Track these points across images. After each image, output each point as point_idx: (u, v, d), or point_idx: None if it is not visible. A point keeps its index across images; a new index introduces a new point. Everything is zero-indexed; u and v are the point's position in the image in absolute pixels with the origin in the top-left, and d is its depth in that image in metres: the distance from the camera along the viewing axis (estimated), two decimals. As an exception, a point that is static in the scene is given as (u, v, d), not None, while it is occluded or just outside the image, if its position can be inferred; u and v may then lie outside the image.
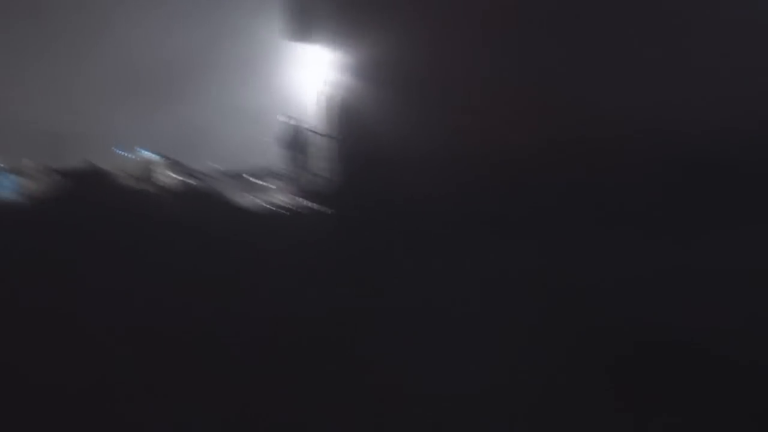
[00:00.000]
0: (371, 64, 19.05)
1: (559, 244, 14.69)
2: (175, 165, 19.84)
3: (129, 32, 28.44)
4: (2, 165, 21.07)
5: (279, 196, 20.44)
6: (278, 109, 22.80)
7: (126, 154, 21.56)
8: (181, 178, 19.89)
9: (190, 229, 16.46)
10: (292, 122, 22.21)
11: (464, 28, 18.81)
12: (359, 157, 18.79)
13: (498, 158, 18.17)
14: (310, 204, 19.73)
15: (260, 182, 20.80)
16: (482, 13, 18.66)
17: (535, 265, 13.35)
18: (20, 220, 16.77)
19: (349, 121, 19.16)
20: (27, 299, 11.48)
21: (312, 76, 20.64)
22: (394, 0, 18.87)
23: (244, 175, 20.83)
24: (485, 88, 18.64)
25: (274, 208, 19.46)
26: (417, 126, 18.49)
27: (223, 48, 27.81)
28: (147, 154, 22.31)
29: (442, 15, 18.86)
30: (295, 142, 22.01)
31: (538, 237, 15.55)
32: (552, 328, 10.36)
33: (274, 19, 22.45)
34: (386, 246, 14.98)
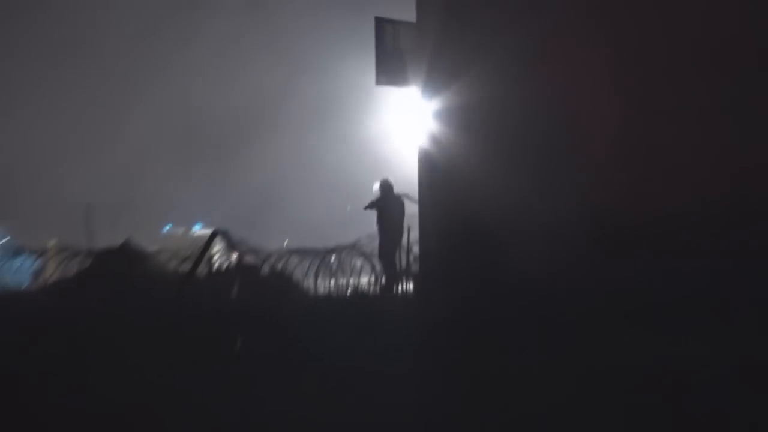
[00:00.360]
0: (474, 114, 17.34)
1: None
2: (235, 242, 17.92)
3: (184, 81, 27.54)
4: (25, 245, 19.50)
5: (364, 279, 18.31)
6: (366, 169, 21.26)
7: (177, 231, 20.14)
8: (240, 258, 18.04)
9: (247, 320, 15.14)
10: (383, 187, 20.95)
11: (587, 69, 16.35)
12: (459, 225, 16.90)
13: (638, 224, 15.30)
14: (400, 287, 18.68)
15: (339, 261, 18.77)
16: (605, 55, 16.12)
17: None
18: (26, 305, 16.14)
19: (448, 184, 17.50)
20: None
21: (404, 127, 19.17)
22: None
23: (323, 253, 18.85)
24: (616, 139, 15.95)
25: (356, 294, 17.89)
26: (531, 187, 16.37)
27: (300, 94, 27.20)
28: (201, 231, 20.65)
29: (562, 53, 16.56)
30: (386, 210, 20.32)
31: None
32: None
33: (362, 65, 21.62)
34: (490, 341, 12.94)
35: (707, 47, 15.30)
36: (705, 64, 15.37)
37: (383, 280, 18.86)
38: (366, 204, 21.17)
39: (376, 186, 21.25)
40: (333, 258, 18.60)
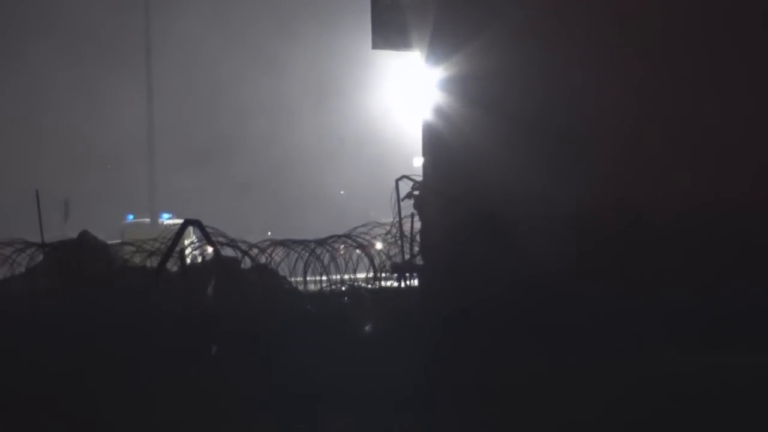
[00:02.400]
0: (486, 84, 17.64)
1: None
2: (210, 233, 17.95)
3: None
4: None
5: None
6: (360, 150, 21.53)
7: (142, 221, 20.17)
8: (216, 251, 18.06)
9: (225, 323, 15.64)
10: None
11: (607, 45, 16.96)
12: (467, 212, 17.03)
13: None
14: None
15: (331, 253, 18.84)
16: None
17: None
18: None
19: (455, 166, 17.78)
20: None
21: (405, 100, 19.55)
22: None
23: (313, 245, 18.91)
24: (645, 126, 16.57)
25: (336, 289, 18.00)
26: (548, 173, 16.77)
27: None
28: (170, 221, 20.73)
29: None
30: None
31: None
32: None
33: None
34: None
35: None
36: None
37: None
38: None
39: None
40: (324, 250, 18.81)
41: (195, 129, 49.16)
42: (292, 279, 18.09)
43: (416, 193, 20.05)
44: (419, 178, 19.81)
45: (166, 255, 17.15)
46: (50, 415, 11.68)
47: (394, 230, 19.92)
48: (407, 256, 18.59)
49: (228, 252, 17.95)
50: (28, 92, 47.54)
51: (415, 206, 20.03)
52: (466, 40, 18.16)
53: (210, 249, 17.71)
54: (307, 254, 17.94)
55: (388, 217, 20.44)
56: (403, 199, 20.63)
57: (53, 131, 47.69)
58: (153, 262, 17.36)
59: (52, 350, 14.09)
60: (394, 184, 20.73)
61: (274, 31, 48.96)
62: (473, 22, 18.02)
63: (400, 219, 19.32)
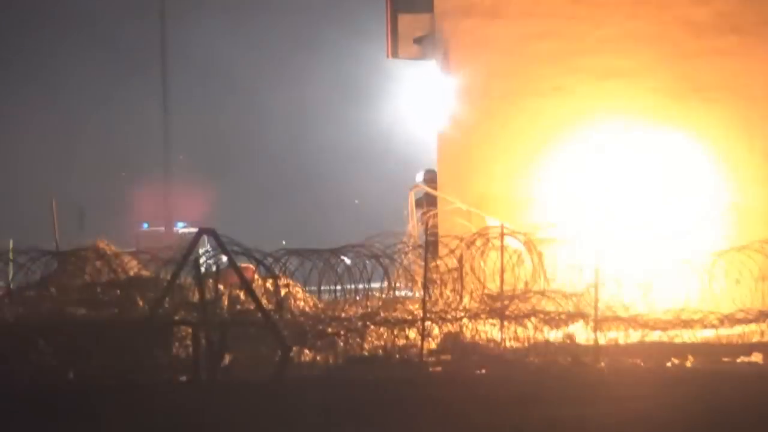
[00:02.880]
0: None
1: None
2: (225, 242, 17.95)
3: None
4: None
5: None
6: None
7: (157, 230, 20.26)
8: (231, 260, 18.06)
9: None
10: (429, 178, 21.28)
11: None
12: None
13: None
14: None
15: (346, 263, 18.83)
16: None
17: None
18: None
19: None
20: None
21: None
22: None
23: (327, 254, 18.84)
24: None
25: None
26: None
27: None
28: (185, 229, 20.73)
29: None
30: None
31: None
32: None
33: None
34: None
35: None
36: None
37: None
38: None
39: (420, 176, 21.71)
40: (339, 259, 18.74)
41: (212, 137, 49.42)
42: (307, 288, 18.26)
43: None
44: (432, 189, 19.95)
45: (181, 264, 17.17)
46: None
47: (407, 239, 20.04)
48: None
49: (243, 261, 18.02)
50: (45, 100, 47.79)
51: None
52: (483, 48, 18.48)
53: (225, 258, 17.71)
54: (321, 263, 18.01)
55: (403, 226, 20.57)
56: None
57: (69, 139, 47.93)
58: (167, 271, 17.43)
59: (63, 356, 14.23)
60: (407, 193, 20.89)
61: (293, 40, 49.20)
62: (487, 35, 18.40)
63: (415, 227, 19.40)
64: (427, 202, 20.90)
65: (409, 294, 18.97)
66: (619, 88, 20.08)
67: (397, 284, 18.91)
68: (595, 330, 16.54)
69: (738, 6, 19.68)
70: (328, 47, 46.25)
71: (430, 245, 18.10)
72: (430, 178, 21.15)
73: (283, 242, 22.30)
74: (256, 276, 18.12)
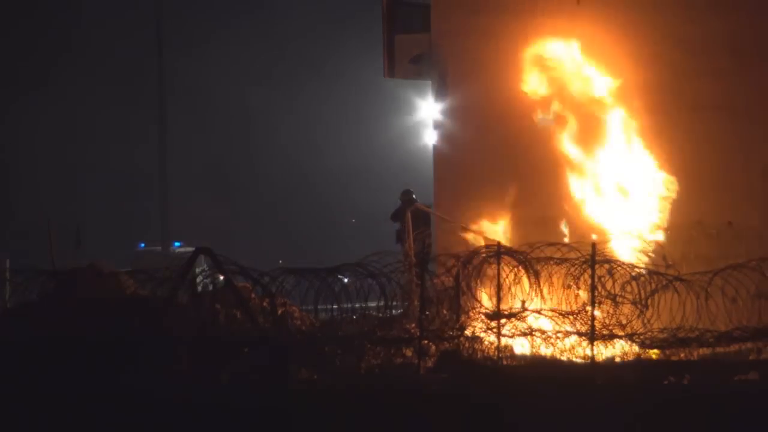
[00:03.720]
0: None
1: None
2: (222, 261, 18.02)
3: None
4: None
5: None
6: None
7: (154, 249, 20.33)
8: (227, 279, 18.12)
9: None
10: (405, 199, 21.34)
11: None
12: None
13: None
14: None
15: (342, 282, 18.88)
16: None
17: None
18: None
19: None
20: None
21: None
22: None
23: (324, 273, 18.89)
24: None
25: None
26: None
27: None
28: (182, 249, 20.83)
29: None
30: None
31: None
32: None
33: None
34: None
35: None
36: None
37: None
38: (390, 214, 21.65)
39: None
40: (336, 278, 18.82)
41: (209, 157, 49.48)
42: (303, 307, 18.31)
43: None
44: (430, 207, 20.06)
45: (177, 282, 17.24)
46: None
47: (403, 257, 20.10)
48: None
49: (239, 280, 18.07)
50: (43, 121, 47.91)
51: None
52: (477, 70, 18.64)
53: (221, 277, 17.78)
54: (318, 282, 18.08)
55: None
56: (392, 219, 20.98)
57: (68, 159, 48.01)
58: (164, 291, 17.49)
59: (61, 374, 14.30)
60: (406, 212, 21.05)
61: (290, 62, 49.32)
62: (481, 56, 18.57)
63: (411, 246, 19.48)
64: (423, 221, 21.10)
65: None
66: (615, 108, 20.41)
67: (394, 303, 19.04)
68: (591, 348, 16.73)
69: (733, 25, 19.86)
70: (326, 68, 46.40)
71: (426, 264, 18.24)
72: (407, 199, 21.33)
73: (280, 261, 22.36)
74: (252, 295, 18.26)
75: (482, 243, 18.97)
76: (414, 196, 21.12)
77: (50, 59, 48.27)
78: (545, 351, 16.85)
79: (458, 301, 17.84)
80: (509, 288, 17.77)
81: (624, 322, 17.32)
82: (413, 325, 17.39)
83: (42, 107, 46.45)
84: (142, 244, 39.88)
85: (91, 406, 13.46)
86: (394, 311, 18.56)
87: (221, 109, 48.70)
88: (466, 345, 16.73)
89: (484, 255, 17.89)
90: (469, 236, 19.52)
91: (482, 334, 17.05)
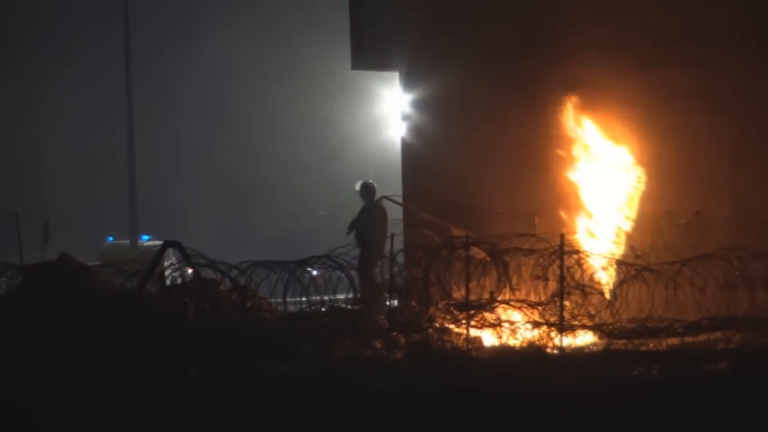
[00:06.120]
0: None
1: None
2: (190, 255, 18.14)
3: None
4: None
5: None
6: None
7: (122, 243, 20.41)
8: (196, 273, 18.25)
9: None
10: (365, 190, 21.39)
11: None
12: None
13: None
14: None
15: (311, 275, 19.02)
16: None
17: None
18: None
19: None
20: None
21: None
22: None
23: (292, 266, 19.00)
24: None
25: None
26: None
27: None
28: (150, 242, 20.89)
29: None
30: (367, 216, 20.93)
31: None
32: None
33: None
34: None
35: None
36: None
37: (360, 296, 19.07)
38: (348, 224, 21.59)
39: (357, 187, 21.74)
40: (305, 271, 19.16)
41: (177, 150, 49.44)
42: (272, 300, 18.45)
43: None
44: (399, 199, 20.22)
45: (146, 276, 17.39)
46: None
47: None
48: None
49: (208, 273, 18.25)
50: (8, 113, 47.80)
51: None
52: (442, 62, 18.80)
53: (190, 270, 17.93)
54: (287, 275, 18.28)
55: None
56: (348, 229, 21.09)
57: (34, 152, 47.94)
58: (133, 284, 17.63)
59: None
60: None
61: (257, 52, 49.24)
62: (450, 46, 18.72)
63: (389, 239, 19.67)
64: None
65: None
66: (585, 98, 20.70)
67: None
68: (560, 339, 17.01)
69: (704, 15, 20.06)
70: (293, 59, 46.44)
71: (395, 256, 18.44)
72: (366, 189, 21.38)
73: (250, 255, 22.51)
74: (222, 288, 18.42)
75: (451, 235, 19.20)
76: (375, 186, 21.24)
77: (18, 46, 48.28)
78: (514, 342, 17.12)
79: (427, 292, 18.11)
80: (478, 279, 18.02)
81: (593, 312, 17.71)
82: (382, 317, 17.63)
83: (5, 97, 46.42)
84: (110, 238, 39.97)
85: (56, 402, 13.62)
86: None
87: (188, 102, 48.69)
88: (435, 337, 17.07)
89: (452, 246, 18.15)
90: (437, 228, 19.69)
91: (451, 326, 17.36)
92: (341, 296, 18.45)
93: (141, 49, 42.00)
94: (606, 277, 18.29)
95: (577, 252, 18.00)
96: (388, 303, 18.40)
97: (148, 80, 44.51)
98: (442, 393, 14.54)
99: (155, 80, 46.15)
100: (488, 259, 17.79)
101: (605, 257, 18.50)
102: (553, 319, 17.16)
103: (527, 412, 14.13)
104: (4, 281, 18.32)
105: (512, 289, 17.88)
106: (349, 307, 18.28)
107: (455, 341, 17.13)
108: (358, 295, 18.39)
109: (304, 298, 18.11)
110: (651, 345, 17.09)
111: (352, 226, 21.12)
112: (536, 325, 17.15)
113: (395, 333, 17.03)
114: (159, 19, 47.30)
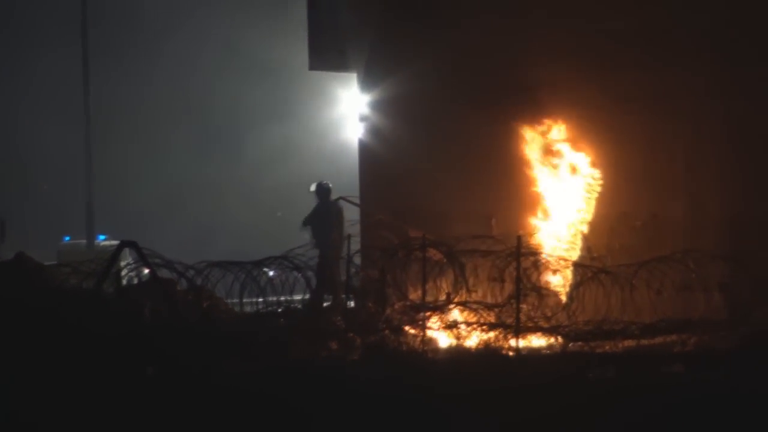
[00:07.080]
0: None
1: None
2: (147, 255, 18.08)
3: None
4: None
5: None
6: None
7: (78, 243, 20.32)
8: (152, 273, 18.19)
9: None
10: (320, 191, 21.24)
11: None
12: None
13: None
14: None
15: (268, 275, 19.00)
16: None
17: None
18: None
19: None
20: None
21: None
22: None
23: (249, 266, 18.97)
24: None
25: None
26: None
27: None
28: (106, 242, 20.78)
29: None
30: (323, 217, 20.81)
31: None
32: None
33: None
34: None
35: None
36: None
37: (318, 296, 19.09)
38: (303, 219, 21.53)
39: (313, 187, 21.76)
40: (262, 271, 19.10)
41: (134, 150, 49.26)
42: (229, 300, 18.44)
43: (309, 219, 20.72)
44: (356, 200, 20.26)
45: (102, 276, 17.34)
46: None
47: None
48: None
49: (165, 273, 18.21)
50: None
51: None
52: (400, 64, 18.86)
53: (146, 270, 17.90)
54: (243, 275, 18.25)
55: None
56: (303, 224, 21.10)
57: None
58: (89, 284, 17.57)
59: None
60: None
61: (216, 52, 49.13)
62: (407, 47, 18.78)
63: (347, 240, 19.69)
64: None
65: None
66: (542, 99, 20.70)
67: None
68: (516, 340, 17.11)
69: (660, 17, 20.18)
70: (251, 60, 46.35)
71: (353, 256, 18.50)
72: (321, 190, 21.33)
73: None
74: (178, 288, 18.39)
75: (408, 236, 19.26)
76: (331, 186, 21.27)
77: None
78: (470, 344, 17.18)
79: (384, 293, 18.17)
80: (435, 280, 18.08)
81: (549, 314, 17.79)
82: (339, 318, 17.67)
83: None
84: (67, 238, 39.79)
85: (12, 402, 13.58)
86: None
87: (145, 100, 48.47)
88: (392, 338, 17.12)
89: (409, 247, 18.22)
90: (395, 229, 19.75)
91: (407, 327, 17.40)
92: (298, 297, 18.50)
93: (100, 48, 41.80)
94: (562, 280, 18.46)
95: (534, 254, 18.12)
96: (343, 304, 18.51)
97: (111, 78, 44.29)
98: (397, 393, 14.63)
99: (115, 78, 45.90)
100: (445, 260, 17.90)
101: (562, 259, 18.64)
102: (509, 321, 17.32)
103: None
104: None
105: (469, 291, 18.02)
106: (306, 308, 18.36)
107: (411, 342, 17.33)
108: (315, 296, 18.51)
109: (260, 299, 18.30)
110: (607, 347, 17.32)
111: (306, 222, 21.16)
112: (492, 327, 17.37)
113: (351, 334, 17.12)
114: (119, 16, 47.13)
